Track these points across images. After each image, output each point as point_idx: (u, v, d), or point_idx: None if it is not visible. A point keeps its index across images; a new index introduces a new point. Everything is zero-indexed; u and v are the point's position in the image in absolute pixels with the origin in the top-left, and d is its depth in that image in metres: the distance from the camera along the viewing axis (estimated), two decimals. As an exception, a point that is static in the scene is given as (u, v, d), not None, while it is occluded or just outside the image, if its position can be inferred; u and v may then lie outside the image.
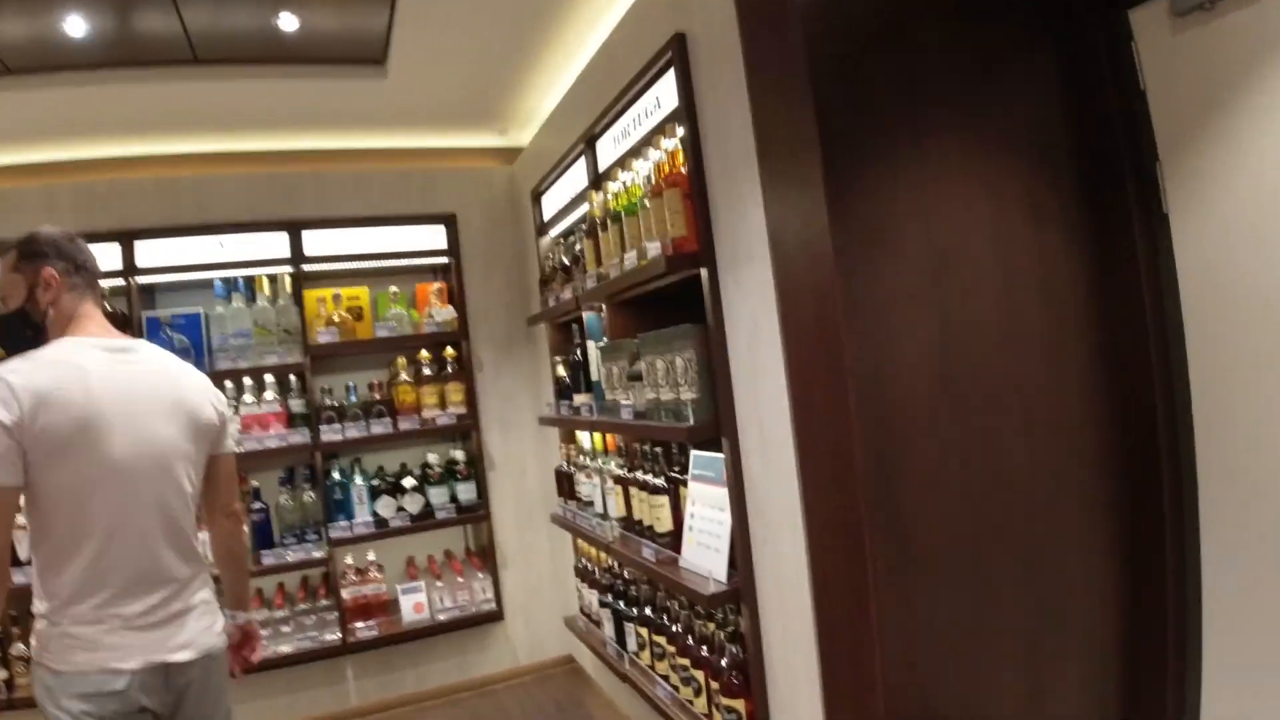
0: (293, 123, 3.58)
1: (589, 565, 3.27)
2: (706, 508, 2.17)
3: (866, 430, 1.57)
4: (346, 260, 3.70)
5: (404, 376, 3.68)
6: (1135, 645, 1.81)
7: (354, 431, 3.52)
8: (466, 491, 3.75)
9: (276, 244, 3.59)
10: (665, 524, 2.33)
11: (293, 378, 3.56)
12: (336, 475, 3.58)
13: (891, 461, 1.61)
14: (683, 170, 2.09)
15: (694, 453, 2.28)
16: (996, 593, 1.70)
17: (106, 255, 3.09)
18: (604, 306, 2.67)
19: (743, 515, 2.02)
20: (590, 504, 3.00)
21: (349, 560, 3.54)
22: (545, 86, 3.40)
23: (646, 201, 2.18)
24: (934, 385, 1.65)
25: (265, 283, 3.53)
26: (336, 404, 3.57)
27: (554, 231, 3.51)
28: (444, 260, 3.90)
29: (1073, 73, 1.80)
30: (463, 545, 4.08)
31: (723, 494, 2.10)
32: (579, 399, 3.00)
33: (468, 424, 3.76)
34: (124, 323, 3.29)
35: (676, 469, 2.38)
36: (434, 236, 3.86)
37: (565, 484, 3.25)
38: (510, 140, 4.04)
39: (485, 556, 3.89)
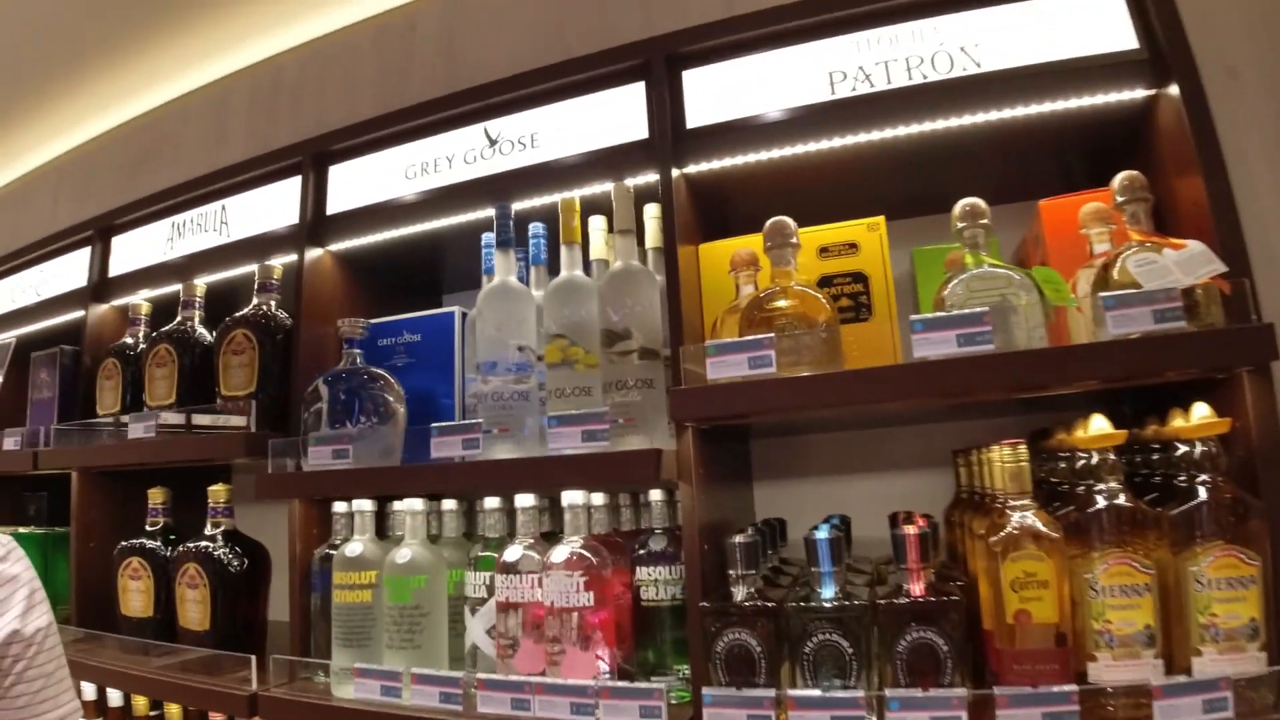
0: None
1: None
2: None
3: None
4: (828, 130, 1.18)
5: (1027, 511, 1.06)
6: None
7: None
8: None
9: (620, 110, 1.31)
10: None
11: (658, 496, 1.19)
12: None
13: None
14: None
15: None
16: None
17: (282, 196, 1.65)
18: None
19: None
20: None
21: None
22: None
23: None
24: None
25: (581, 221, 1.27)
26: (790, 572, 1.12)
27: None
28: (1144, 93, 1.08)
29: None
30: None
31: None
32: None
33: None
34: (280, 345, 1.57)
35: None
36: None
37: None
38: None
39: None
